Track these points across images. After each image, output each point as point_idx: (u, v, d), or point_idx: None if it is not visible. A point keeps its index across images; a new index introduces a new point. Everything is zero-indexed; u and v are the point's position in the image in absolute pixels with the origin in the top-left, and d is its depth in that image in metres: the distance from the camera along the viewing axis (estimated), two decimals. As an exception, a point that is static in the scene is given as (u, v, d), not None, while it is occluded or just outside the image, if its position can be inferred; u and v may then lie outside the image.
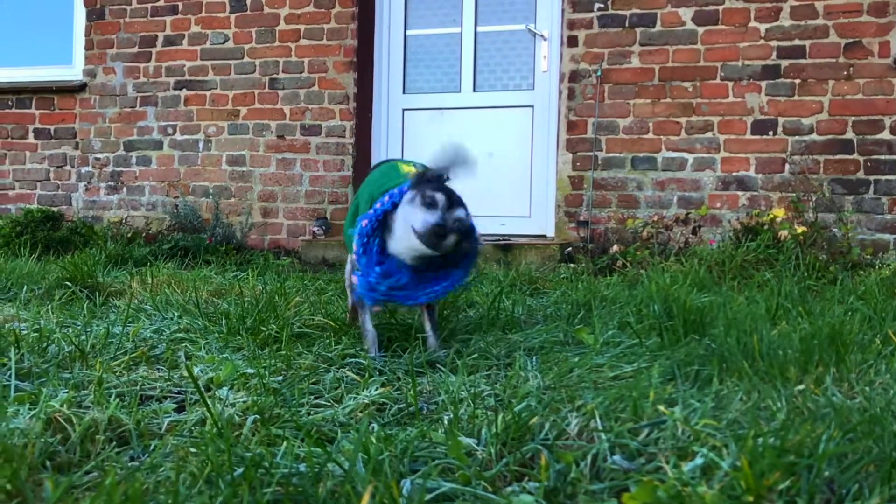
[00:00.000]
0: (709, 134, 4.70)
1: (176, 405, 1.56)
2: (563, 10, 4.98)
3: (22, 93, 5.99)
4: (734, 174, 4.66)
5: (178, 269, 4.06)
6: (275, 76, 5.44)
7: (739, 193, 4.66)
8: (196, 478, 1.08)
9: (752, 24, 4.61)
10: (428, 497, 1.07)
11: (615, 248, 4.34)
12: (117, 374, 1.77)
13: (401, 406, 1.57)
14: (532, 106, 5.24)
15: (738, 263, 3.59)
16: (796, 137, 4.57)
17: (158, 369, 1.85)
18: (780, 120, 4.59)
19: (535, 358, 1.96)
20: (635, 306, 2.41)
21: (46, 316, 2.48)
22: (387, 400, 1.59)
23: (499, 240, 4.81)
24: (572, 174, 4.93)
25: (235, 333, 2.22)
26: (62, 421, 1.32)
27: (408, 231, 1.93)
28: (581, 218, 4.89)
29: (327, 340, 2.16)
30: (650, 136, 4.79)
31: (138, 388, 1.65)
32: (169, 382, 1.72)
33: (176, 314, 2.52)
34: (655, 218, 4.57)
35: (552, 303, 2.99)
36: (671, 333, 2.04)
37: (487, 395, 1.60)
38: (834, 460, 1.13)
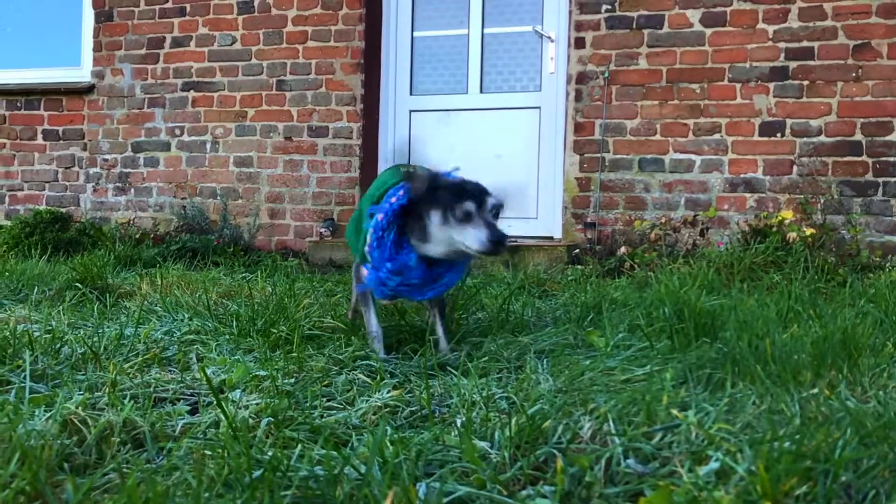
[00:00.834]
0: (716, 135, 4.69)
1: (189, 407, 1.56)
2: (570, 12, 4.97)
3: (31, 94, 6.02)
4: (742, 176, 4.65)
5: (186, 270, 4.06)
6: (282, 78, 5.45)
7: (747, 195, 4.65)
8: (214, 481, 1.08)
9: (760, 25, 4.60)
10: (444, 501, 1.07)
11: (623, 249, 4.34)
12: (130, 375, 1.78)
13: (413, 409, 1.57)
14: (539, 107, 5.24)
15: (746, 265, 3.58)
16: (804, 139, 4.55)
17: (171, 371, 1.86)
18: (789, 121, 4.57)
19: (545, 361, 1.96)
20: (645, 309, 2.41)
21: (58, 317, 2.49)
22: (399, 403, 1.59)
23: (506, 241, 4.80)
24: (579, 176, 4.92)
25: (246, 335, 2.23)
26: (77, 423, 1.33)
27: (454, 242, 1.92)
28: (588, 219, 4.88)
29: (338, 342, 2.16)
30: (658, 137, 4.79)
31: (151, 389, 1.65)
32: (182, 384, 1.72)
33: (186, 316, 2.53)
34: (663, 220, 4.55)
35: (561, 305, 2.99)
36: (682, 336, 2.04)
37: (499, 398, 1.60)
38: (850, 465, 1.12)
